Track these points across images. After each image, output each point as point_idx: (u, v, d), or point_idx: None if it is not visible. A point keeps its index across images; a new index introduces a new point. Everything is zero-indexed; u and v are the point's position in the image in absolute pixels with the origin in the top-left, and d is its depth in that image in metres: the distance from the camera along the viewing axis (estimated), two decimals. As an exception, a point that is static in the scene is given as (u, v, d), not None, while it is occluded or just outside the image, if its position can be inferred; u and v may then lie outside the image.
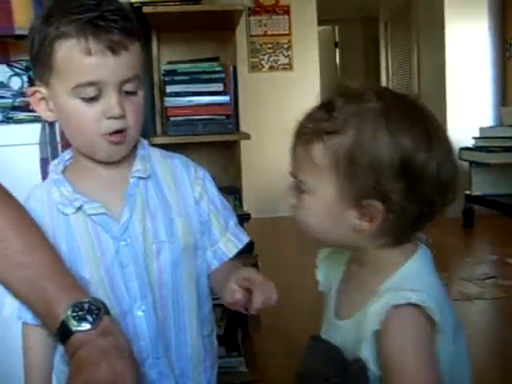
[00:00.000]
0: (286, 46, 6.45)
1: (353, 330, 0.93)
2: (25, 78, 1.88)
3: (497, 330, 3.14)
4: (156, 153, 1.21)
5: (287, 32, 6.44)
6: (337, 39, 9.45)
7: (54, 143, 1.68)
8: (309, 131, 0.92)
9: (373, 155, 0.85)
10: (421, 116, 0.90)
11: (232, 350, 2.42)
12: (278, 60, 6.45)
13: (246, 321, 2.67)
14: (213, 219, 1.21)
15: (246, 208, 2.77)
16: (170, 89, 2.41)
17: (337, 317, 1.00)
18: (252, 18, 6.29)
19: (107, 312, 0.96)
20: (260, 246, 2.41)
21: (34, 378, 1.09)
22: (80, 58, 1.01)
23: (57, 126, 1.69)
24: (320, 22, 6.77)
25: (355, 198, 0.88)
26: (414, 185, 0.86)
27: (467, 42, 5.97)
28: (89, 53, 1.00)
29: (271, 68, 6.45)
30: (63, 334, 0.93)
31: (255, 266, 3.54)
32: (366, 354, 0.88)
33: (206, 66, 2.46)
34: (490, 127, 5.44)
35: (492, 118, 5.97)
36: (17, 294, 1.00)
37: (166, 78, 2.43)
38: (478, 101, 5.88)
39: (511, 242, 4.49)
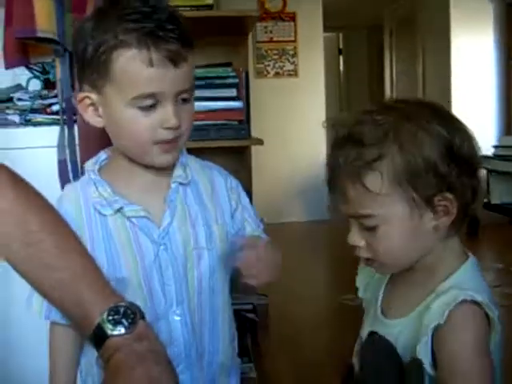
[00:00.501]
0: (291, 52, 6.46)
1: (409, 328, 0.96)
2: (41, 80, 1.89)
3: (503, 339, 3.13)
4: (193, 160, 1.22)
5: (293, 38, 6.45)
6: (341, 46, 9.47)
7: (72, 145, 1.68)
8: (352, 169, 0.92)
9: (423, 156, 0.90)
10: (431, 106, 0.97)
11: (242, 355, 2.41)
12: (284, 66, 6.46)
13: (256, 327, 2.67)
14: (247, 227, 1.23)
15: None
16: (183, 94, 2.41)
17: (386, 316, 1.02)
18: (258, 24, 6.28)
19: (142, 317, 0.96)
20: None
21: (59, 378, 1.09)
22: (141, 69, 1.00)
23: (75, 128, 1.69)
24: (325, 29, 6.79)
25: (426, 201, 0.91)
26: (462, 163, 0.92)
27: (472, 51, 5.99)
28: (150, 64, 1.00)
29: (276, 74, 6.45)
30: (98, 337, 0.93)
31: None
32: (423, 351, 0.91)
33: (219, 71, 2.46)
34: (507, 135, 5.48)
35: (496, 127, 5.99)
36: (50, 297, 1.00)
37: (181, 83, 2.43)
38: (483, 111, 5.90)
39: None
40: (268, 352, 2.74)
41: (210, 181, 1.21)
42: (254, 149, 2.72)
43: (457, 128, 0.94)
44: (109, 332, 0.92)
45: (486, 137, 5.57)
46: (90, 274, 0.99)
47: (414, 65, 7.00)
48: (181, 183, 1.14)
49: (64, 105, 1.71)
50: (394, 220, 0.93)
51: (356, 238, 0.97)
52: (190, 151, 2.68)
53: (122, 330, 0.92)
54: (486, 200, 5.27)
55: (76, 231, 1.05)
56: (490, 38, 6.08)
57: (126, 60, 1.00)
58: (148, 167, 1.11)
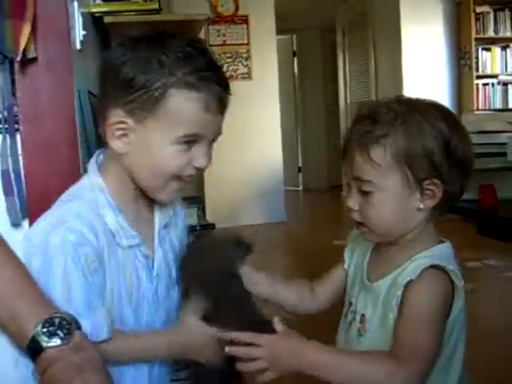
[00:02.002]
0: (244, 55, 6.47)
1: (386, 286, 1.11)
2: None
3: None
4: None
5: (246, 41, 6.46)
6: (295, 48, 9.51)
7: (15, 155, 1.65)
8: (364, 140, 1.08)
9: (422, 143, 1.05)
10: (439, 106, 1.12)
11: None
12: (237, 69, 6.46)
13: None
14: None
15: (209, 217, 2.77)
16: (130, 99, 2.38)
17: (370, 281, 1.17)
18: (211, 27, 6.29)
19: (79, 327, 0.94)
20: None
21: None
22: (197, 112, 1.04)
23: (18, 137, 1.66)
24: (278, 32, 6.81)
25: (417, 182, 1.07)
26: (455, 159, 1.07)
27: (423, 49, 6.10)
28: (207, 109, 1.05)
29: (230, 77, 6.44)
30: (34, 350, 0.91)
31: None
32: (394, 305, 1.07)
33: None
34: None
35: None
36: None
37: (127, 88, 2.40)
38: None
39: (471, 246, 4.56)
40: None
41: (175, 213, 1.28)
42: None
43: (459, 131, 1.09)
44: (44, 344, 0.90)
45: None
46: (24, 285, 0.97)
47: (366, 63, 7.09)
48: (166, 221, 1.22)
49: (6, 113, 1.68)
50: (387, 190, 1.08)
51: (353, 202, 1.12)
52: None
53: (58, 342, 0.90)
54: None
55: (94, 254, 1.05)
56: (441, 36, 6.19)
57: (183, 100, 1.03)
58: (151, 202, 1.17)
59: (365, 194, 1.10)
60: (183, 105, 1.03)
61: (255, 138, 6.50)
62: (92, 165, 1.16)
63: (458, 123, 1.11)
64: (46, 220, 1.08)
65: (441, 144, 1.06)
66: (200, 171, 1.13)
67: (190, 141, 1.06)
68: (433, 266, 1.05)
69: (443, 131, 1.06)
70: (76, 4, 1.83)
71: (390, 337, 1.07)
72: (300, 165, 9.51)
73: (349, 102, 7.85)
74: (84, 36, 1.87)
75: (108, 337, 1.06)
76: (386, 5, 6.37)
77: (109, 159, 1.15)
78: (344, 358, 1.07)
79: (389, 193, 1.08)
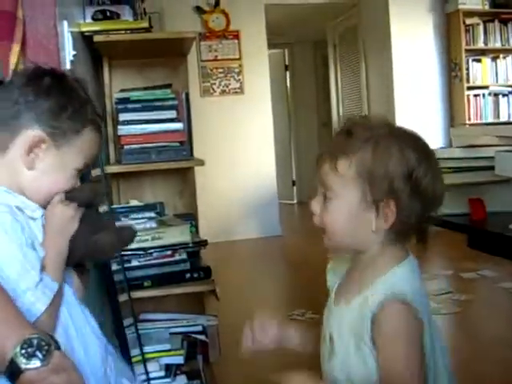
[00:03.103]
0: (236, 70, 6.49)
1: (350, 313, 1.15)
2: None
3: (455, 345, 3.17)
4: None
5: (238, 56, 6.49)
6: (287, 62, 9.54)
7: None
8: (335, 150, 1.14)
9: (387, 166, 1.10)
10: (418, 139, 1.17)
11: (193, 378, 2.40)
12: (230, 84, 6.48)
13: (206, 348, 2.64)
14: None
15: (203, 233, 2.76)
16: (122, 117, 2.39)
17: (335, 305, 1.22)
18: (202, 42, 6.32)
19: (58, 347, 0.93)
20: (216, 271, 2.41)
21: None
22: (96, 147, 1.24)
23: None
24: (270, 46, 6.84)
25: (373, 200, 1.11)
26: (417, 189, 1.10)
27: (414, 61, 6.15)
28: (99, 146, 1.25)
29: (223, 92, 6.48)
30: (13, 373, 0.89)
31: (213, 291, 3.53)
32: (365, 335, 1.10)
33: (158, 93, 2.45)
34: (441, 148, 5.56)
35: (442, 137, 6.11)
36: None
37: (119, 106, 2.41)
38: (426, 120, 6.01)
39: (465, 257, 4.56)
40: (220, 371, 2.72)
41: None
42: (201, 169, 2.71)
43: (428, 165, 1.12)
44: (22, 366, 0.89)
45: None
46: (2, 306, 0.95)
47: (358, 76, 7.13)
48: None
49: None
50: (345, 200, 1.13)
51: (314, 205, 1.18)
52: (134, 174, 2.67)
53: (37, 363, 0.89)
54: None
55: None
56: (431, 48, 6.23)
57: (89, 139, 1.21)
58: None
59: (325, 199, 1.16)
60: (88, 142, 1.21)
61: (248, 152, 6.51)
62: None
63: (429, 158, 1.15)
64: None
65: (405, 171, 1.09)
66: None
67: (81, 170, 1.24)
68: (392, 299, 1.07)
69: (410, 160, 1.10)
70: (66, 24, 1.84)
71: (358, 361, 1.12)
72: (294, 178, 9.52)
73: (341, 114, 7.87)
74: (74, 56, 1.88)
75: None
76: (376, 18, 6.42)
77: (6, 165, 1.18)
78: None
79: (345, 203, 1.13)
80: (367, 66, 6.84)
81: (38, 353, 0.90)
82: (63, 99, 1.17)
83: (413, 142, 1.14)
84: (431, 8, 6.24)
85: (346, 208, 1.13)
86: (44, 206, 1.18)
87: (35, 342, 0.91)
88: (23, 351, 0.90)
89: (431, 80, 6.26)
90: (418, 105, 6.09)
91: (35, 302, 1.02)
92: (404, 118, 5.81)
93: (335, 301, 1.23)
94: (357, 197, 1.12)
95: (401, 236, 1.15)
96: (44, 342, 0.91)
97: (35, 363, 0.89)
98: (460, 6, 6.07)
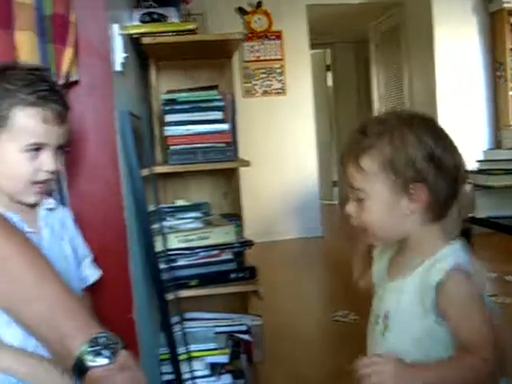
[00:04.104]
0: (278, 70, 6.49)
1: (412, 284, 1.20)
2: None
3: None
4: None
5: (280, 57, 6.49)
6: (328, 62, 9.51)
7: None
8: (354, 151, 1.20)
9: (406, 152, 1.15)
10: (428, 120, 1.23)
11: (238, 377, 2.41)
12: (272, 85, 6.49)
13: (250, 348, 2.66)
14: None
15: (247, 232, 2.77)
16: (169, 118, 2.41)
17: (391, 281, 1.28)
18: (245, 43, 6.34)
19: (124, 346, 0.95)
20: (258, 271, 2.42)
21: None
22: (37, 124, 1.27)
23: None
24: (311, 46, 6.83)
25: (403, 187, 1.17)
26: (440, 166, 1.16)
27: (457, 61, 6.04)
28: (45, 121, 1.27)
29: (265, 93, 6.48)
30: (79, 370, 0.92)
31: (256, 292, 3.55)
32: (430, 305, 1.16)
33: (205, 94, 2.46)
34: (489, 149, 5.48)
35: (487, 138, 6.01)
36: (31, 330, 0.98)
37: (166, 108, 2.43)
38: (470, 121, 5.93)
39: (510, 260, 4.49)
40: (265, 372, 2.73)
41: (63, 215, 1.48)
42: (244, 169, 2.73)
43: (444, 141, 1.19)
44: (89, 364, 0.91)
45: (472, 150, 5.60)
46: (68, 304, 0.98)
47: (400, 76, 7.05)
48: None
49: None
50: (377, 196, 1.19)
51: (350, 208, 1.24)
52: (180, 174, 2.70)
53: (103, 361, 0.91)
54: (471, 214, 5.31)
55: None
56: (475, 48, 6.13)
57: (26, 116, 1.25)
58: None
59: (359, 200, 1.21)
60: (26, 120, 1.26)
61: (290, 152, 6.51)
62: None
63: (443, 136, 1.21)
64: None
65: (424, 153, 1.16)
66: (53, 174, 1.33)
67: (35, 149, 1.28)
68: (457, 268, 1.15)
69: (427, 142, 1.16)
70: (116, 27, 1.87)
71: (418, 331, 1.19)
72: (335, 179, 9.49)
73: (383, 115, 7.80)
74: (124, 58, 1.91)
75: None
76: (419, 17, 6.35)
77: None
78: (442, 371, 1.16)
79: (378, 199, 1.19)
80: (410, 66, 6.77)
81: (104, 351, 0.92)
82: None
83: (424, 124, 1.20)
84: (475, 7, 6.14)
85: (380, 203, 1.19)
86: (24, 191, 1.29)
87: (102, 340, 0.93)
88: (90, 349, 0.92)
89: (475, 80, 6.16)
90: (461, 106, 6.00)
91: None
92: (447, 120, 5.74)
93: (389, 278, 1.30)
94: (387, 189, 1.18)
95: (437, 213, 1.21)
96: (111, 341, 0.94)
97: (102, 361, 0.91)
98: (504, 5, 5.96)
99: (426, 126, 1.20)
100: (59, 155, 1.35)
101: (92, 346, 0.92)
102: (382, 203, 1.19)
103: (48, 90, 1.29)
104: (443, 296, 1.14)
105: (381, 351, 1.22)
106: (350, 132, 1.25)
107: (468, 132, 5.83)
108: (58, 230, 1.40)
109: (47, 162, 1.30)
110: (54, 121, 1.29)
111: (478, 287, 1.16)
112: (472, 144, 5.68)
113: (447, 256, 1.18)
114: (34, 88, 1.27)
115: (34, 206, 1.35)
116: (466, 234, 4.32)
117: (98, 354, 0.92)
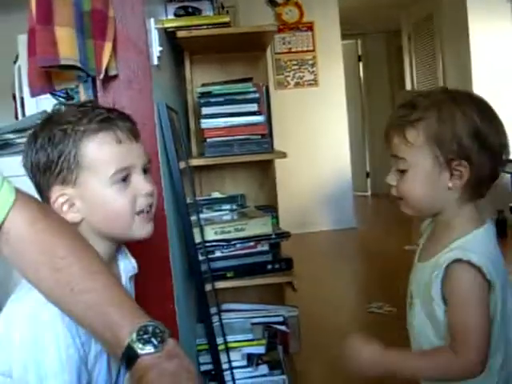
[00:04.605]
0: (310, 62, 6.48)
1: (427, 270, 1.26)
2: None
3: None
4: None
5: (311, 48, 6.48)
6: (360, 53, 9.46)
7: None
8: (401, 122, 1.23)
9: (452, 128, 1.18)
10: (475, 98, 1.25)
11: (275, 368, 2.42)
12: (304, 76, 6.48)
13: (287, 339, 2.67)
14: None
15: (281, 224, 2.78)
16: (205, 111, 2.43)
17: (418, 261, 1.34)
18: (276, 35, 6.32)
19: (171, 335, 0.97)
20: (294, 261, 2.43)
21: None
22: (112, 148, 1.13)
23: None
24: (343, 37, 6.79)
25: (446, 162, 1.20)
26: (484, 145, 1.19)
27: (493, 51, 5.94)
28: (118, 141, 1.13)
29: (297, 84, 6.48)
30: (129, 357, 0.93)
31: (290, 283, 3.56)
32: (435, 291, 1.21)
33: (239, 87, 2.48)
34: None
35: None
36: (80, 320, 1.01)
37: (202, 100, 2.45)
38: (506, 112, 5.84)
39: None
40: (301, 363, 2.74)
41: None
42: (278, 161, 2.74)
43: (490, 121, 1.21)
44: (139, 351, 0.92)
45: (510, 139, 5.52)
46: (117, 294, 1.00)
47: (434, 66, 6.98)
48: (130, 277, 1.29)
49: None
50: (419, 168, 1.22)
51: (390, 178, 1.28)
52: (216, 166, 2.72)
53: (152, 349, 0.93)
54: (511, 204, 5.27)
55: None
56: (510, 38, 6.03)
57: (96, 144, 1.12)
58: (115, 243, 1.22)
59: (400, 170, 1.25)
60: (98, 148, 1.12)
61: (323, 144, 6.50)
62: None
63: (490, 114, 1.23)
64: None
65: (470, 130, 1.18)
66: (152, 197, 1.19)
67: (123, 176, 1.14)
68: (458, 261, 1.18)
69: (474, 119, 1.18)
70: (152, 21, 1.89)
71: (430, 313, 1.24)
72: (368, 170, 9.45)
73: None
74: (160, 51, 1.93)
75: None
76: (453, 6, 6.26)
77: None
78: (412, 361, 1.28)
79: (420, 170, 1.22)
80: (443, 57, 6.70)
81: (153, 339, 0.93)
82: (40, 156, 1.13)
83: (471, 101, 1.23)
84: (511, -5, 6.05)
85: (422, 174, 1.22)
86: (129, 226, 1.16)
87: (150, 329, 0.94)
88: (139, 337, 0.93)
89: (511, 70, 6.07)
90: (498, 96, 5.89)
91: None
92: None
93: (419, 257, 1.35)
94: (430, 162, 1.21)
95: (475, 192, 1.24)
96: (158, 330, 0.95)
97: (150, 349, 0.93)
98: (541, -7, 5.87)
99: (473, 103, 1.22)
100: (147, 176, 1.19)
101: (141, 335, 0.94)
102: (424, 175, 1.22)
103: (107, 113, 1.16)
104: (445, 285, 1.20)
105: (409, 326, 1.34)
106: (399, 105, 1.29)
107: (505, 121, 5.74)
108: None
109: (141, 184, 1.16)
110: (128, 139, 1.15)
111: (484, 281, 1.17)
112: (510, 132, 5.60)
113: (462, 245, 1.20)
114: (92, 116, 1.13)
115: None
116: (501, 225, 4.32)
117: (146, 342, 0.93)
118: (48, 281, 1.00)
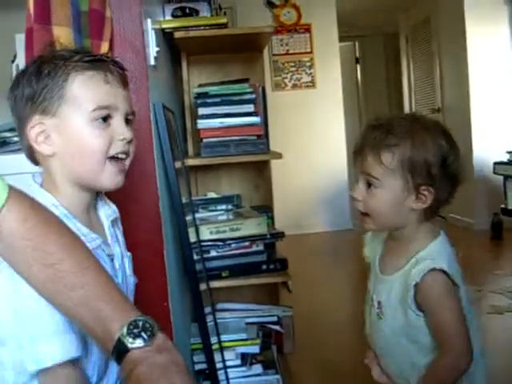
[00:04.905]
0: (308, 64, 6.50)
1: (397, 282, 1.36)
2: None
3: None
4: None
5: (309, 50, 6.49)
6: (357, 55, 9.47)
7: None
8: (377, 144, 1.31)
9: (425, 156, 1.29)
10: (444, 130, 1.35)
11: (268, 367, 2.44)
12: (301, 78, 6.49)
13: (281, 339, 2.69)
14: None
15: (277, 225, 2.80)
16: (201, 111, 2.45)
17: (382, 274, 1.43)
18: (274, 37, 6.33)
19: (161, 330, 0.98)
20: (290, 262, 2.44)
21: None
22: (99, 86, 1.13)
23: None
24: (341, 39, 6.81)
25: (414, 187, 1.30)
26: (449, 172, 1.31)
27: (489, 53, 5.96)
28: (106, 81, 1.13)
29: (294, 86, 6.49)
30: (119, 351, 0.95)
31: (285, 283, 3.57)
32: (410, 301, 1.31)
33: (236, 87, 2.49)
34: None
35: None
36: (71, 315, 1.02)
37: (198, 101, 2.47)
38: (502, 116, 5.86)
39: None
40: (295, 363, 2.75)
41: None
42: (274, 162, 2.76)
43: (455, 151, 1.32)
44: (129, 345, 0.94)
45: (504, 142, 5.55)
46: (108, 290, 1.01)
47: (431, 70, 7.01)
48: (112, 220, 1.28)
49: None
50: (389, 188, 1.32)
51: (358, 193, 1.37)
52: (212, 167, 2.73)
53: (142, 343, 0.94)
54: (503, 206, 5.28)
55: None
56: (507, 40, 6.05)
57: (85, 79, 1.12)
58: (94, 200, 1.23)
59: (370, 188, 1.34)
60: (85, 83, 1.12)
61: (320, 145, 6.52)
62: (34, 187, 1.17)
63: (453, 142, 1.34)
64: None
65: (439, 159, 1.29)
66: (129, 145, 1.17)
67: (103, 116, 1.13)
68: (432, 269, 1.28)
69: (443, 149, 1.30)
70: (149, 21, 1.91)
71: (404, 321, 1.34)
72: (364, 172, 9.43)
73: (413, 108, 7.75)
74: (157, 52, 1.94)
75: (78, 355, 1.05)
76: (450, 9, 6.29)
77: (46, 175, 1.18)
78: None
79: (389, 190, 1.32)
80: (441, 59, 6.72)
81: (142, 333, 0.95)
82: (26, 86, 1.13)
83: (441, 132, 1.34)
84: (507, -1, 6.08)
85: (391, 194, 1.32)
86: (100, 171, 1.14)
87: (140, 323, 0.96)
88: (129, 332, 0.95)
89: (508, 73, 6.08)
90: (494, 100, 5.92)
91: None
92: (480, 113, 5.71)
93: (381, 270, 1.44)
94: (400, 184, 1.30)
95: (433, 213, 1.36)
96: (148, 324, 0.96)
97: (140, 343, 0.94)
98: (538, -5, 5.89)
99: (442, 133, 1.33)
100: (130, 126, 1.19)
101: (131, 329, 0.95)
102: (392, 195, 1.32)
103: (100, 55, 1.19)
104: (420, 294, 1.30)
105: (377, 333, 1.44)
106: (373, 125, 1.36)
107: (501, 124, 5.76)
108: (120, 246, 1.29)
109: (120, 128, 1.15)
110: (116, 82, 1.15)
111: (454, 286, 1.30)
112: (505, 135, 5.62)
113: (428, 256, 1.32)
114: (85, 54, 1.14)
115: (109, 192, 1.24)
116: (497, 227, 4.34)
117: (136, 336, 0.94)
118: (40, 276, 1.01)
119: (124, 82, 1.18)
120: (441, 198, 1.33)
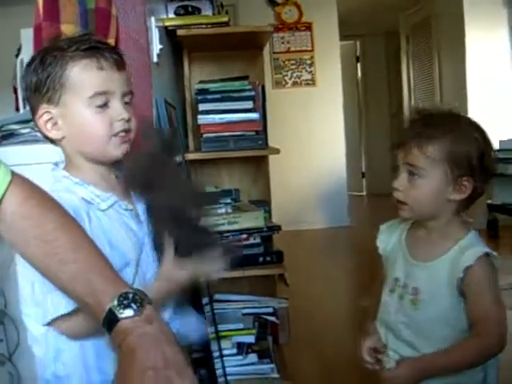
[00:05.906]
0: (308, 61, 6.55)
1: (443, 267, 1.41)
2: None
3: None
4: None
5: (310, 48, 6.54)
6: (358, 54, 9.52)
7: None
8: (421, 137, 1.39)
9: (466, 148, 1.38)
10: (479, 126, 1.44)
11: (263, 357, 2.50)
12: (301, 76, 6.55)
13: (277, 330, 2.75)
14: None
15: (275, 220, 2.86)
16: (202, 107, 2.51)
17: (416, 260, 1.48)
18: (275, 35, 6.37)
19: (149, 302, 1.04)
20: (286, 258, 2.51)
21: None
22: (94, 73, 1.22)
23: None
24: (341, 37, 6.86)
25: (455, 178, 1.38)
26: (485, 164, 1.39)
27: (488, 54, 6.01)
28: (101, 68, 1.22)
29: (295, 84, 6.54)
30: (110, 321, 1.01)
31: (282, 277, 3.63)
32: (457, 284, 1.37)
33: (236, 84, 2.56)
34: (510, 140, 5.49)
35: (514, 129, 6.00)
36: (66, 289, 1.09)
37: (199, 97, 2.53)
38: (501, 112, 5.91)
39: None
40: (289, 353, 2.81)
41: None
42: (273, 158, 2.82)
43: (489, 145, 1.42)
44: (119, 315, 0.99)
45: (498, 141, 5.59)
46: (100, 265, 1.08)
47: (430, 68, 7.04)
48: None
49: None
50: (431, 179, 1.39)
51: (399, 183, 1.44)
52: (212, 161, 2.79)
53: (132, 313, 1.00)
54: (488, 201, 5.42)
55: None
56: (506, 41, 6.10)
57: (80, 68, 1.22)
58: (110, 168, 1.31)
59: (412, 178, 1.41)
60: (81, 71, 1.22)
61: (319, 143, 6.57)
62: (55, 170, 1.31)
63: (489, 140, 1.43)
64: None
65: (478, 152, 1.38)
66: (129, 123, 1.27)
67: (102, 101, 1.23)
68: (486, 254, 1.36)
69: (480, 143, 1.39)
70: (153, 19, 1.97)
71: (448, 305, 1.39)
72: (363, 170, 9.53)
73: (413, 107, 7.80)
74: (160, 49, 2.00)
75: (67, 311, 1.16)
76: (450, 9, 6.33)
77: (64, 155, 1.31)
78: (447, 359, 1.39)
79: (431, 180, 1.39)
80: (440, 59, 6.76)
81: (132, 304, 1.01)
82: (31, 77, 1.24)
83: (477, 128, 1.43)
84: (506, 1, 6.12)
85: (433, 184, 1.39)
86: (105, 148, 1.25)
87: (130, 295, 1.02)
88: (120, 303, 1.01)
89: (505, 74, 6.13)
90: (491, 98, 5.97)
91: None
92: (477, 111, 5.74)
93: (415, 257, 1.49)
94: (441, 174, 1.38)
95: (466, 206, 1.44)
96: (138, 297, 1.02)
97: (130, 312, 1.00)
98: (536, -3, 5.94)
99: (478, 129, 1.42)
100: (127, 106, 1.28)
101: (121, 300, 1.01)
102: (433, 185, 1.39)
103: (96, 43, 1.26)
104: (468, 277, 1.36)
105: (405, 318, 1.45)
106: (418, 118, 1.46)
107: (499, 124, 5.81)
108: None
109: (118, 110, 1.25)
110: (111, 67, 1.24)
111: (496, 269, 1.38)
112: (503, 134, 5.67)
113: (475, 244, 1.40)
114: (81, 44, 1.23)
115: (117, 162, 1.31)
116: (493, 225, 4.40)
117: (126, 306, 1.00)
118: (37, 252, 1.08)
119: (119, 66, 1.27)
120: (478, 190, 1.40)
